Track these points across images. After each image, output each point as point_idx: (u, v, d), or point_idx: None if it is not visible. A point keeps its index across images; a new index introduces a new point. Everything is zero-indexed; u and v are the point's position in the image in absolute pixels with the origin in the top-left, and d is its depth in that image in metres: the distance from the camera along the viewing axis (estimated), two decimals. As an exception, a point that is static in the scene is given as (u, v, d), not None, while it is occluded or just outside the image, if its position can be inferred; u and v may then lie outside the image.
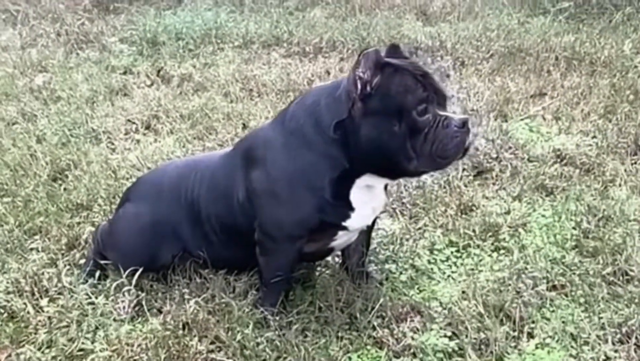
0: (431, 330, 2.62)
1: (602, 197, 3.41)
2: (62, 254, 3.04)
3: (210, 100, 4.79)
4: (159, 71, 5.52)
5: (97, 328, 2.61)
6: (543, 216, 3.34)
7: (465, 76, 5.19)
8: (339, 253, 2.91)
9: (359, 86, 2.36)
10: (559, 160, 3.86)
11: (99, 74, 5.48)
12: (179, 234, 2.80)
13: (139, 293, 2.75)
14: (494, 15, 6.54)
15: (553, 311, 2.67)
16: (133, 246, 2.83)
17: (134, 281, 2.73)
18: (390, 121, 2.36)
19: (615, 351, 2.45)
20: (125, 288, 2.71)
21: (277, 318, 2.59)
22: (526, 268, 2.90)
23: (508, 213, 3.37)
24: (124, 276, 2.74)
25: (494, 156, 3.91)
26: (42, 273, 2.86)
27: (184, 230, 2.80)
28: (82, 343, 2.50)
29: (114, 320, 2.65)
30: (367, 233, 2.83)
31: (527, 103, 4.61)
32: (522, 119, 4.39)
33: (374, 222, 2.84)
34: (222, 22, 6.38)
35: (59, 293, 2.77)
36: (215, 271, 2.80)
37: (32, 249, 3.09)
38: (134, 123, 4.49)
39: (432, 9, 6.90)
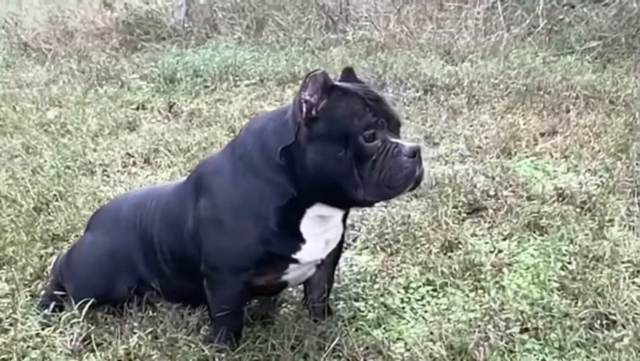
0: (389, 372, 2.46)
1: (597, 237, 3.21)
2: (25, 284, 2.98)
3: (212, 135, 4.75)
4: (170, 107, 5.52)
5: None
6: (532, 255, 3.15)
7: (479, 114, 5.05)
8: (302, 287, 2.78)
9: (304, 110, 2.24)
10: (559, 199, 3.67)
11: (112, 109, 5.51)
12: (135, 265, 2.72)
13: (90, 325, 2.66)
14: (518, 55, 6.39)
15: (521, 355, 2.49)
16: (88, 276, 2.75)
17: (83, 314, 2.64)
18: (336, 146, 2.23)
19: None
20: (74, 321, 2.62)
21: (223, 355, 2.46)
22: (502, 309, 2.72)
23: (495, 252, 3.20)
24: (76, 307, 2.65)
25: (492, 193, 3.74)
26: (-1, 303, 2.79)
27: (139, 261, 2.71)
28: (21, 375, 2.41)
29: (61, 353, 2.55)
30: (330, 267, 2.69)
31: (536, 141, 4.44)
32: (527, 157, 4.22)
33: (337, 256, 2.71)
34: (240, 60, 6.36)
35: (11, 325, 2.70)
36: (169, 305, 2.70)
37: (-4, 279, 3.02)
38: (132, 156, 4.46)
39: (455, 47, 6.78)
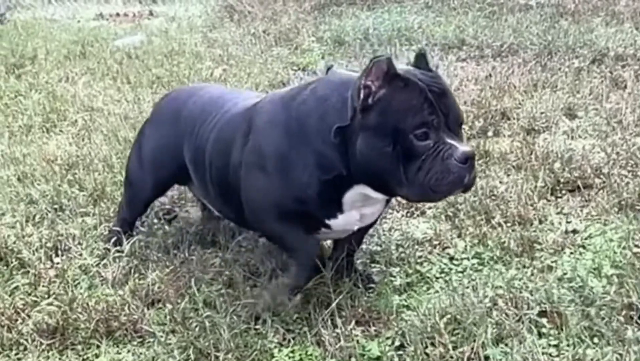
0: (384, 337, 2.39)
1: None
2: (106, 220, 3.24)
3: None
4: (328, 69, 5.59)
5: (88, 288, 2.75)
6: (609, 239, 2.87)
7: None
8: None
9: (362, 96, 2.19)
10: (682, 182, 3.28)
11: (274, 70, 5.71)
12: (184, 166, 2.85)
13: (134, 261, 2.85)
14: None
15: (530, 337, 2.29)
16: (136, 170, 3.02)
17: (126, 250, 2.87)
18: (385, 140, 2.17)
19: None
20: (116, 255, 2.85)
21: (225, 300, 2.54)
22: (535, 290, 2.52)
23: (570, 231, 2.96)
24: (125, 244, 2.88)
25: (605, 171, 3.43)
26: (70, 234, 3.07)
27: (189, 170, 2.85)
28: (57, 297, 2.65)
29: (103, 282, 2.78)
30: (362, 231, 2.65)
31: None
32: (668, 136, 3.79)
33: (372, 224, 2.67)
34: (409, 25, 6.30)
35: (80, 254, 2.96)
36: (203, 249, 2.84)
37: (86, 213, 3.31)
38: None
39: (654, 16, 6.19)
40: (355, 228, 2.51)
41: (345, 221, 2.45)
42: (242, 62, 6.06)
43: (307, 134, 2.34)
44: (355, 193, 2.36)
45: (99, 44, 7.06)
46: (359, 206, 2.41)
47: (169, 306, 2.51)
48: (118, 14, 9.34)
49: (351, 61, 5.82)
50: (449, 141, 2.16)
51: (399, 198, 2.80)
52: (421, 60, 2.35)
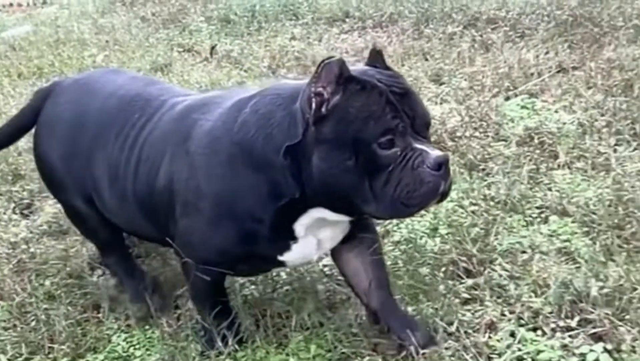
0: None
1: (532, 182, 2.98)
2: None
3: (227, 75, 4.83)
4: (212, 49, 5.62)
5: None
6: (451, 200, 2.98)
7: (508, 49, 4.73)
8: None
9: (314, 106, 1.89)
10: (527, 140, 3.41)
11: (158, 52, 5.69)
12: (89, 187, 2.49)
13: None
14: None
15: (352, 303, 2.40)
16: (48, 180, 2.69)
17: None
18: (344, 153, 1.87)
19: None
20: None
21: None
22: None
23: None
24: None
25: (459, 135, 3.55)
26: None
27: (102, 188, 2.45)
28: None
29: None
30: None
31: (542, 77, 4.11)
32: (526, 94, 3.93)
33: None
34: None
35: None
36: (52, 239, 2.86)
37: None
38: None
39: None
40: (315, 257, 2.24)
41: (301, 252, 2.15)
42: (127, 47, 6.02)
43: (253, 160, 2.03)
44: (310, 217, 2.07)
45: (-17, 39, 6.92)
46: (314, 231, 2.12)
47: (7, 302, 2.52)
48: (11, 4, 9.13)
49: (237, 38, 5.85)
50: (418, 146, 1.89)
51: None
52: (376, 58, 2.06)
